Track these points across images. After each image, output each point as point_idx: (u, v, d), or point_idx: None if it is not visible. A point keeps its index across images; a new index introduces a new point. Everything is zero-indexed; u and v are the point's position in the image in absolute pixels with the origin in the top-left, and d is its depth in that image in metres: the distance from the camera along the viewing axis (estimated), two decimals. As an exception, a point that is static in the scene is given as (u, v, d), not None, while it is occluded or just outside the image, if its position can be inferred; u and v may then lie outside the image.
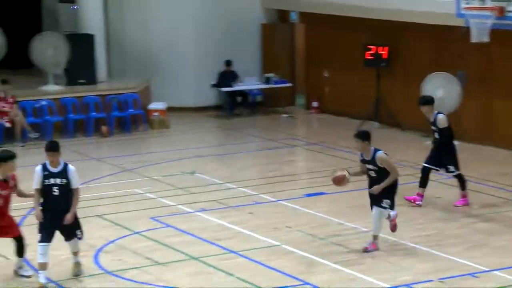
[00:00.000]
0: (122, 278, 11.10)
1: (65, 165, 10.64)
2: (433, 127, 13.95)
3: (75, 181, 10.66)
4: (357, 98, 21.72)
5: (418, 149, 17.19)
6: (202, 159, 17.86)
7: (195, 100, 21.91)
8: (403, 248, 11.96)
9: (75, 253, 11.01)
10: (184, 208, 14.12)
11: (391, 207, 11.48)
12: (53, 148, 10.58)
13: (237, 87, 22.64)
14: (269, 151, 19.24)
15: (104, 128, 20.36)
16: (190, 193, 15.06)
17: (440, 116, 13.85)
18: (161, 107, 21.47)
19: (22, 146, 19.05)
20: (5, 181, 10.55)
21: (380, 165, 11.36)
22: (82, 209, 13.93)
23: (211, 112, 22.90)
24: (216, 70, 22.56)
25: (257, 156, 18.44)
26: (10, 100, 19.29)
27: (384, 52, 20.48)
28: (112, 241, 12.56)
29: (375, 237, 11.71)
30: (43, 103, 20.29)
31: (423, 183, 14.04)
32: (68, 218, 10.52)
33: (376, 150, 11.43)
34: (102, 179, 16.51)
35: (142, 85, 22.06)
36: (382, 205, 11.43)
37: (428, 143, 14.97)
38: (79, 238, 10.89)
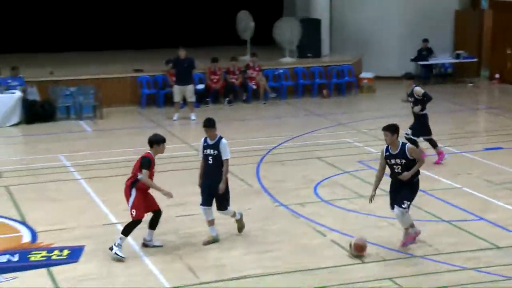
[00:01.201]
0: (334, 206, 11.46)
1: (219, 138, 9.62)
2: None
3: (225, 153, 9.59)
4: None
5: None
6: (399, 118, 17.82)
7: (398, 71, 21.98)
8: None
9: (233, 216, 10.04)
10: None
11: (408, 207, 9.19)
12: (207, 125, 9.63)
13: (432, 61, 22.39)
14: (455, 113, 18.89)
15: (325, 91, 20.85)
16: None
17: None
18: (370, 76, 21.64)
19: (264, 104, 19.99)
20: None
21: (410, 157, 9.05)
22: (305, 152, 14.73)
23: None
24: (416, 47, 22.38)
25: (444, 116, 18.22)
26: (257, 68, 20.17)
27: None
28: (327, 178, 12.89)
29: (408, 229, 9.36)
30: (280, 71, 20.97)
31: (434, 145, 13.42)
32: (220, 187, 9.55)
33: (404, 144, 9.19)
34: (321, 130, 16.90)
35: (355, 58, 22.26)
36: (403, 206, 9.13)
37: None
38: (225, 209, 9.80)
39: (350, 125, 17.31)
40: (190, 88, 17.82)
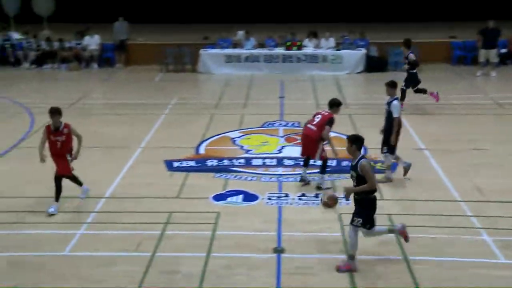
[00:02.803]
0: None
1: (392, 99, 10.10)
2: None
3: (395, 112, 10.02)
4: None
5: None
6: None
7: None
8: None
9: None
10: None
11: (364, 225, 7.39)
12: (389, 85, 10.27)
13: None
14: None
15: None
16: None
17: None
18: None
19: None
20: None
21: (360, 173, 7.29)
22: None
23: None
24: None
25: None
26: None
27: None
28: None
29: (350, 257, 7.51)
30: None
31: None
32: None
33: (361, 157, 7.38)
34: None
35: None
36: (353, 223, 7.44)
37: None
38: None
39: None
40: (494, 52, 19.20)
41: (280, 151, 12.26)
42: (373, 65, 20.91)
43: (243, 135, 13.28)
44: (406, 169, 10.49)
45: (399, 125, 10.24)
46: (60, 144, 9.08)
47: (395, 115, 10.14)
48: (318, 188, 10.09)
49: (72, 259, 7.87)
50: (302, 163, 10.67)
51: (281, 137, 13.21)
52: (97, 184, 10.26)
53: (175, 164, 11.46)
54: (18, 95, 17.68)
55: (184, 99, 17.14)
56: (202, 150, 12.37)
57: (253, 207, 9.50)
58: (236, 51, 21.49)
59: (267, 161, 11.62)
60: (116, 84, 19.92)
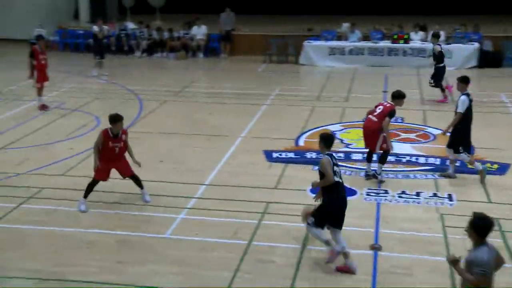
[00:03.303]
0: None
1: (461, 95, 9.94)
2: None
3: (459, 107, 9.84)
4: None
5: None
6: None
7: None
8: None
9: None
10: None
11: (315, 225, 7.24)
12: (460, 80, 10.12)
13: None
14: None
15: None
16: None
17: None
18: None
19: None
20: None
21: (320, 169, 7.29)
22: None
23: None
24: None
25: None
26: None
27: None
28: None
29: (327, 243, 7.36)
30: None
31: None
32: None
33: (327, 155, 7.30)
34: None
35: None
36: (308, 221, 7.35)
37: None
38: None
39: None
40: None
41: (381, 146, 12.03)
42: (488, 60, 19.92)
43: (343, 129, 13.17)
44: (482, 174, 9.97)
45: (462, 120, 9.84)
46: (118, 149, 9.01)
47: (458, 109, 9.90)
48: (375, 176, 10.01)
49: (173, 242, 8.09)
50: (366, 156, 10.44)
51: (383, 132, 12.95)
52: (198, 171, 10.53)
53: (274, 155, 11.51)
54: (129, 82, 18.47)
55: (286, 90, 17.19)
56: (301, 142, 12.35)
57: (350, 202, 9.31)
58: (340, 43, 21.25)
59: (367, 156, 11.43)
60: (220, 74, 20.32)
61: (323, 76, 19.36)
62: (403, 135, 12.70)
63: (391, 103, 10.00)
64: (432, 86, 15.28)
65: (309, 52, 21.27)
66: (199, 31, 23.28)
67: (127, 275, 7.29)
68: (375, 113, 9.96)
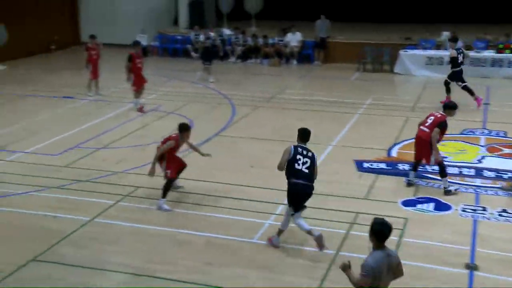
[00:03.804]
0: None
1: None
2: None
3: None
4: None
5: None
6: None
7: None
8: None
9: None
10: None
11: (293, 210, 7.86)
12: None
13: None
14: None
15: None
16: None
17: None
18: None
19: None
20: None
21: None
22: None
23: None
24: None
25: None
26: None
27: None
28: None
29: (280, 232, 8.04)
30: None
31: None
32: None
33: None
34: None
35: None
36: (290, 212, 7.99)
37: None
38: None
39: None
40: None
41: (480, 161, 11.62)
42: None
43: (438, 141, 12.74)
44: None
45: None
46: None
47: None
48: (446, 193, 9.72)
49: (261, 247, 8.15)
50: (412, 165, 10.34)
51: (482, 146, 12.51)
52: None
53: (365, 165, 11.33)
54: (223, 86, 18.81)
55: (379, 100, 16.87)
56: (394, 153, 12.07)
57: (445, 217, 9.06)
58: (439, 52, 20.62)
59: (464, 171, 11.05)
60: (313, 81, 20.27)
61: (419, 86, 18.89)
62: (506, 150, 12.14)
63: (443, 113, 9.85)
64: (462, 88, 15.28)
65: (405, 61, 20.80)
66: (294, 38, 23.35)
67: (214, 277, 7.40)
68: (427, 124, 9.84)
